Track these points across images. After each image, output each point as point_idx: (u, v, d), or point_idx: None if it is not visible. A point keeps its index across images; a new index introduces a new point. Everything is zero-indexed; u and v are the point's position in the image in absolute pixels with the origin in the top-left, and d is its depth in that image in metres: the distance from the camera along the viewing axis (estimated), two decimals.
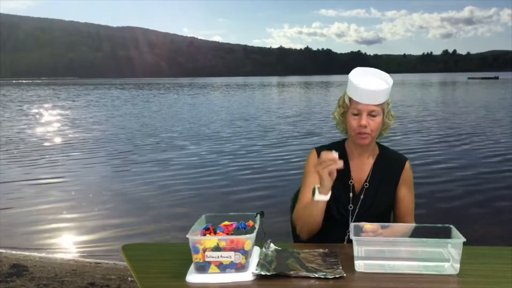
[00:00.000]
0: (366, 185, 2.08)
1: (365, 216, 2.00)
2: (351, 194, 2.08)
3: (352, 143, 2.09)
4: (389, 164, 2.11)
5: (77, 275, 3.89)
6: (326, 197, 1.87)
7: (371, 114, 1.94)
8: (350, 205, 2.07)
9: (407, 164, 2.12)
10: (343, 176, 2.02)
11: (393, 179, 2.10)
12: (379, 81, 1.96)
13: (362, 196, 2.08)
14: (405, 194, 2.11)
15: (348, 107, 2.00)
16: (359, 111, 1.95)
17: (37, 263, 4.18)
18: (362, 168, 2.10)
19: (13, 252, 4.53)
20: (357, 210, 2.07)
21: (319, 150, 2.10)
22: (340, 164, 1.78)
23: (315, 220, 1.94)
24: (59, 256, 4.54)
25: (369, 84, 1.92)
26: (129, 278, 3.76)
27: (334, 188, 1.91)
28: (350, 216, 2.06)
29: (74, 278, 3.81)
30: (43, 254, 4.52)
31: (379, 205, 2.08)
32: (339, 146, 2.13)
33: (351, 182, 2.09)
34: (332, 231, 2.05)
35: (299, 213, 2.03)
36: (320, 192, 1.85)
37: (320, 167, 1.79)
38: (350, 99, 1.98)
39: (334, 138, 2.30)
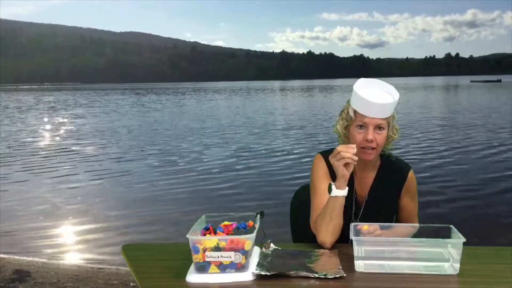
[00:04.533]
0: (366, 198, 2.04)
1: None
2: (354, 208, 2.04)
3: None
4: (391, 174, 2.04)
5: (80, 280, 3.89)
6: (344, 192, 1.81)
7: (377, 128, 1.88)
8: (353, 219, 2.04)
9: (410, 173, 2.05)
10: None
11: (395, 190, 2.05)
12: (385, 94, 1.90)
13: (362, 210, 2.04)
14: (408, 203, 2.07)
15: (352, 120, 1.91)
16: (365, 124, 1.87)
17: (39, 269, 4.18)
18: (364, 181, 2.05)
19: (16, 257, 4.53)
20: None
21: (324, 154, 2.03)
22: (356, 158, 1.75)
23: (335, 223, 1.84)
24: (61, 261, 4.54)
25: (377, 97, 1.84)
26: (131, 284, 3.76)
27: None
28: None
29: (77, 284, 3.81)
30: (45, 260, 4.51)
31: (382, 217, 2.03)
32: None
33: (354, 195, 2.04)
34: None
35: (317, 222, 1.89)
36: (337, 187, 1.80)
37: (336, 158, 1.75)
38: (355, 112, 1.90)
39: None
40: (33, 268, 4.18)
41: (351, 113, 1.91)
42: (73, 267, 4.36)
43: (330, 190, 1.82)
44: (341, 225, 1.86)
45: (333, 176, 1.89)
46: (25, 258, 4.54)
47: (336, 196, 1.82)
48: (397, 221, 2.12)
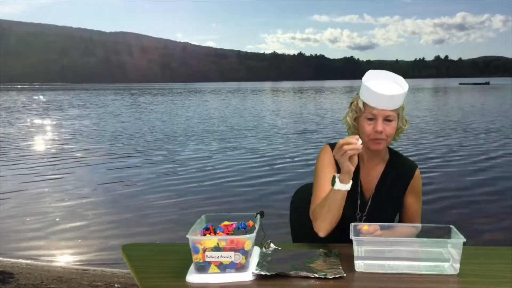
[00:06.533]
0: (374, 190, 2.04)
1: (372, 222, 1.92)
2: (359, 201, 2.03)
3: (364, 148, 1.92)
4: (398, 171, 2.05)
5: (64, 282, 3.85)
6: (347, 186, 1.80)
7: (386, 119, 1.88)
8: (358, 212, 2.03)
9: (417, 172, 2.06)
10: (352, 182, 1.95)
11: (401, 187, 2.04)
12: (395, 86, 1.91)
13: (369, 203, 2.04)
14: (413, 202, 2.07)
15: (361, 112, 1.92)
16: (375, 116, 1.88)
17: (23, 270, 4.13)
18: (372, 174, 2.05)
19: (0, 258, 4.48)
20: (364, 218, 2.03)
21: (332, 145, 2.00)
22: (360, 147, 1.72)
23: (334, 214, 1.85)
24: (46, 263, 4.48)
25: (385, 89, 1.85)
26: (116, 285, 3.74)
27: None
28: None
29: (60, 285, 3.77)
30: (30, 261, 4.45)
31: (386, 212, 2.04)
32: None
33: (360, 188, 2.04)
34: (339, 238, 1.91)
35: (316, 211, 1.91)
36: (341, 181, 1.79)
37: (339, 153, 1.73)
38: (364, 104, 1.90)
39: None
40: (16, 270, 4.13)
41: (360, 105, 1.92)
42: (58, 268, 4.31)
43: (333, 183, 1.80)
44: (339, 216, 1.88)
45: (338, 167, 1.87)
46: (8, 259, 4.48)
47: (338, 190, 1.81)
48: (400, 220, 2.11)
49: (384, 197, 2.04)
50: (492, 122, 17.24)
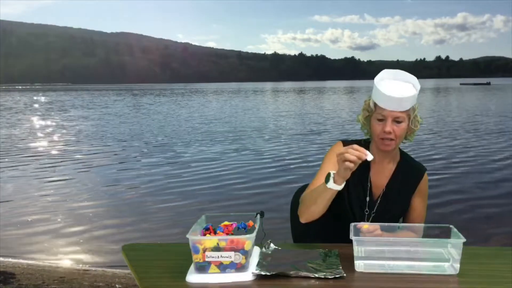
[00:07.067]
0: (384, 190, 2.05)
1: (379, 221, 1.93)
2: (368, 198, 2.04)
3: (375, 147, 2.01)
4: (408, 172, 2.07)
5: (65, 282, 3.85)
6: (339, 187, 1.80)
7: (396, 120, 1.88)
8: (366, 209, 2.04)
9: (426, 174, 2.08)
10: (362, 178, 2.00)
11: (410, 188, 2.06)
12: (405, 87, 1.90)
13: (379, 201, 2.05)
14: (418, 204, 2.08)
15: (372, 112, 1.94)
16: (384, 117, 1.89)
17: (24, 270, 4.12)
18: (382, 172, 2.06)
19: (1, 259, 4.47)
20: (373, 215, 2.04)
21: (345, 142, 2.04)
22: (354, 167, 1.71)
23: (318, 208, 1.89)
24: (47, 263, 4.47)
25: (395, 91, 1.85)
26: (117, 286, 3.73)
27: (351, 190, 1.87)
28: (366, 220, 2.03)
29: (62, 286, 3.76)
30: (31, 261, 4.44)
31: (394, 211, 2.05)
32: (364, 146, 1.92)
33: (370, 185, 2.05)
34: (345, 234, 1.84)
35: (305, 198, 1.97)
36: (334, 181, 1.79)
37: (340, 159, 1.72)
38: (375, 104, 1.92)
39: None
40: (18, 270, 4.13)
41: (372, 105, 1.95)
42: (59, 268, 4.30)
43: (327, 180, 1.80)
44: (323, 211, 1.91)
45: None
46: (10, 260, 4.47)
47: (328, 188, 1.81)
48: (404, 222, 2.11)
49: (393, 196, 2.05)
50: (498, 123, 17.10)
